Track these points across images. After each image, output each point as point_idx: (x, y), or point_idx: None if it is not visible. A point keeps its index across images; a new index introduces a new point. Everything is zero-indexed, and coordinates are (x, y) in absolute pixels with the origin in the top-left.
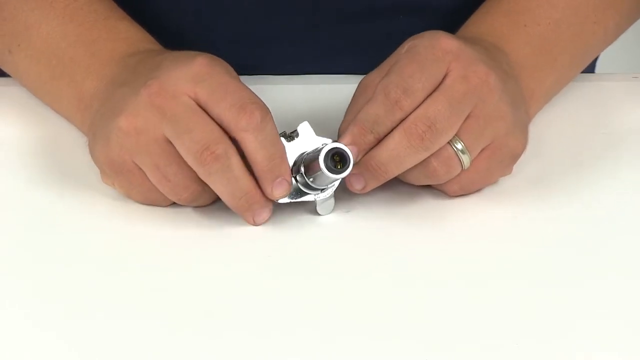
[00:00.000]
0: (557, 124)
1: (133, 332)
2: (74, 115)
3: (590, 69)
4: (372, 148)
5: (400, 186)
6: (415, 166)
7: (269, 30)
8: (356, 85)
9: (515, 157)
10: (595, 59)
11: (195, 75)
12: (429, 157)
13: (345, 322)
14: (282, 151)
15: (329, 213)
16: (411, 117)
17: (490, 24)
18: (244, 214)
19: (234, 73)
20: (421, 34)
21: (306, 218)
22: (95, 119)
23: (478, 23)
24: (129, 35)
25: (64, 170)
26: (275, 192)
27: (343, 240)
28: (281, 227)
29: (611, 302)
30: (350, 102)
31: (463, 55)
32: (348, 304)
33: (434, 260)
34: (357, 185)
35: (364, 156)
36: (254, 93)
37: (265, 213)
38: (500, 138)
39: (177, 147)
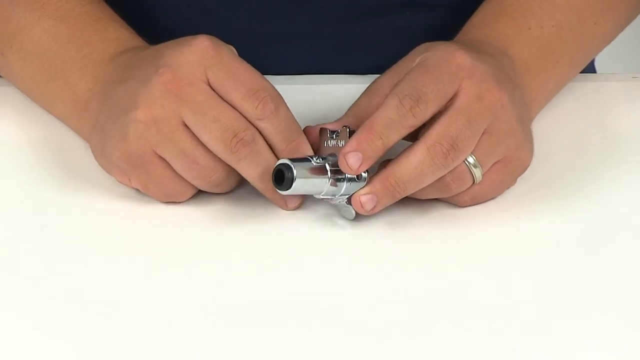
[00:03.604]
0: (557, 125)
1: (133, 332)
2: (70, 118)
3: (590, 69)
4: (379, 157)
5: None
6: None
7: (276, 28)
8: (360, 86)
9: (525, 168)
10: (593, 59)
11: (204, 59)
12: None
13: (346, 322)
14: (300, 131)
15: (352, 218)
16: (433, 135)
17: (494, 26)
18: (274, 198)
19: (234, 50)
20: (434, 44)
21: (307, 218)
22: (99, 120)
23: (481, 25)
24: (118, 35)
25: (64, 171)
26: None
27: (344, 240)
28: (281, 228)
29: (612, 303)
30: (356, 101)
31: (476, 72)
32: (348, 304)
33: (435, 260)
34: (368, 206)
35: (378, 172)
36: (262, 76)
37: (297, 198)
38: (511, 152)
39: (202, 136)
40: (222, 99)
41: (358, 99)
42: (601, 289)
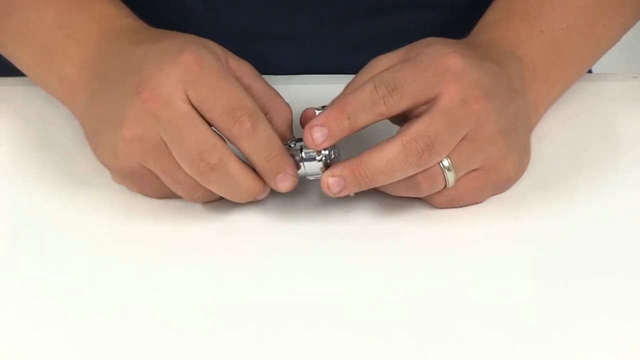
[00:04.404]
0: (557, 124)
1: (133, 332)
2: (61, 100)
3: None
4: (345, 136)
5: None
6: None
7: (276, 28)
8: None
9: (510, 180)
10: None
11: (185, 75)
12: None
13: (345, 322)
14: (279, 149)
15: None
16: (411, 132)
17: (506, 27)
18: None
19: (223, 63)
20: (436, 42)
21: (306, 217)
22: (89, 119)
23: (493, 26)
24: (102, 13)
25: (64, 170)
26: (280, 186)
27: (343, 240)
28: (281, 227)
29: (612, 303)
30: (352, 79)
31: (465, 78)
32: (348, 304)
33: (434, 260)
34: (334, 189)
35: (352, 158)
36: (242, 92)
37: (287, 182)
38: (492, 161)
39: (175, 155)
40: (204, 117)
41: (354, 77)
42: (601, 289)
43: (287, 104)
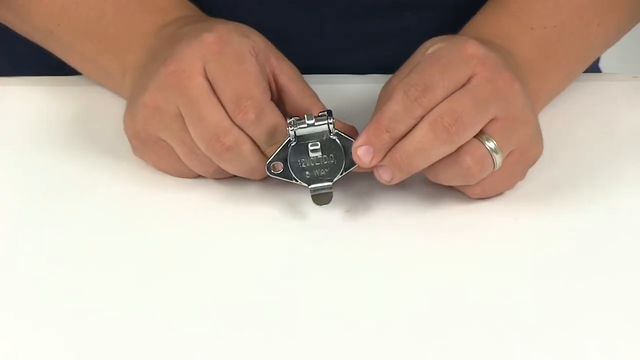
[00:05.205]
0: (557, 124)
1: (132, 332)
2: (121, 89)
3: (594, 69)
4: (390, 148)
5: (401, 185)
6: (449, 165)
7: (276, 26)
8: (360, 85)
9: (534, 162)
10: (597, 59)
11: (205, 54)
12: (463, 155)
13: (345, 321)
14: (281, 136)
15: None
16: (436, 110)
17: (496, 25)
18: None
19: (254, 50)
20: (444, 37)
21: (307, 217)
22: (131, 91)
23: (483, 24)
24: (162, 5)
25: (64, 170)
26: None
27: (343, 239)
28: (281, 227)
29: (612, 302)
30: (375, 110)
31: (489, 61)
32: (348, 303)
33: (434, 259)
34: (385, 177)
35: (384, 156)
36: (253, 81)
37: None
38: (524, 144)
39: (190, 130)
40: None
41: (377, 105)
42: (601, 289)
43: (323, 107)
